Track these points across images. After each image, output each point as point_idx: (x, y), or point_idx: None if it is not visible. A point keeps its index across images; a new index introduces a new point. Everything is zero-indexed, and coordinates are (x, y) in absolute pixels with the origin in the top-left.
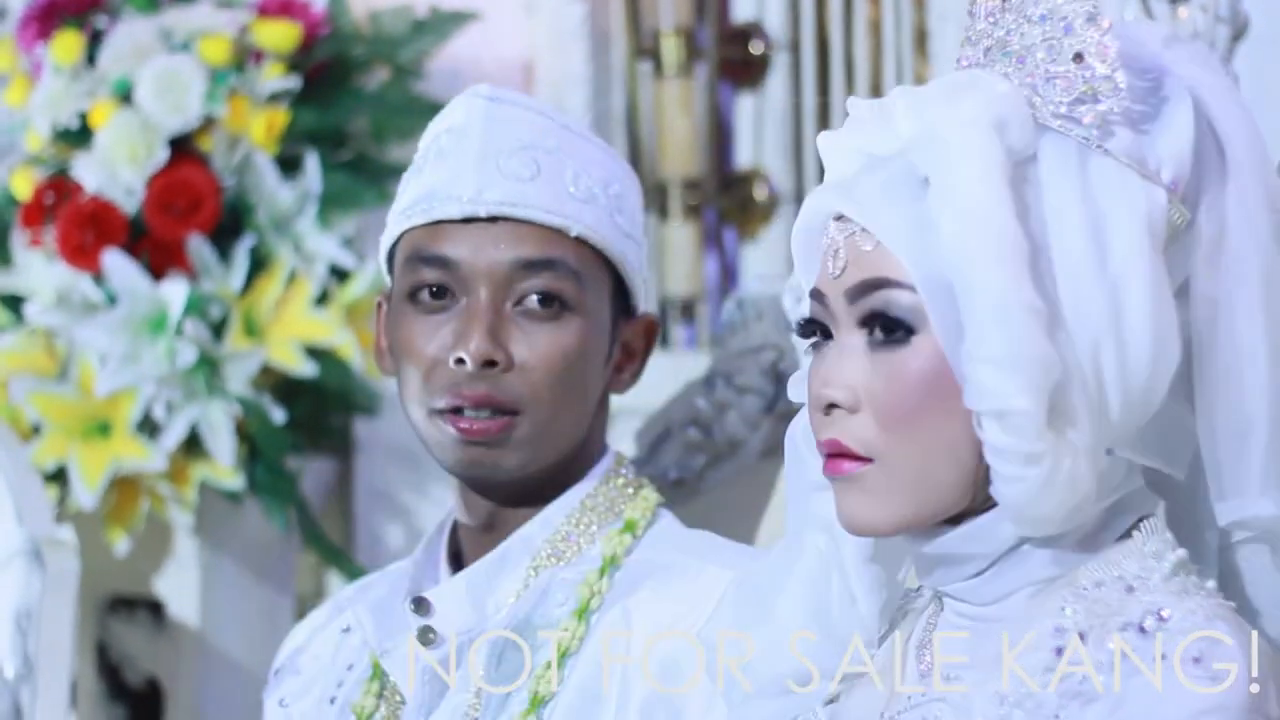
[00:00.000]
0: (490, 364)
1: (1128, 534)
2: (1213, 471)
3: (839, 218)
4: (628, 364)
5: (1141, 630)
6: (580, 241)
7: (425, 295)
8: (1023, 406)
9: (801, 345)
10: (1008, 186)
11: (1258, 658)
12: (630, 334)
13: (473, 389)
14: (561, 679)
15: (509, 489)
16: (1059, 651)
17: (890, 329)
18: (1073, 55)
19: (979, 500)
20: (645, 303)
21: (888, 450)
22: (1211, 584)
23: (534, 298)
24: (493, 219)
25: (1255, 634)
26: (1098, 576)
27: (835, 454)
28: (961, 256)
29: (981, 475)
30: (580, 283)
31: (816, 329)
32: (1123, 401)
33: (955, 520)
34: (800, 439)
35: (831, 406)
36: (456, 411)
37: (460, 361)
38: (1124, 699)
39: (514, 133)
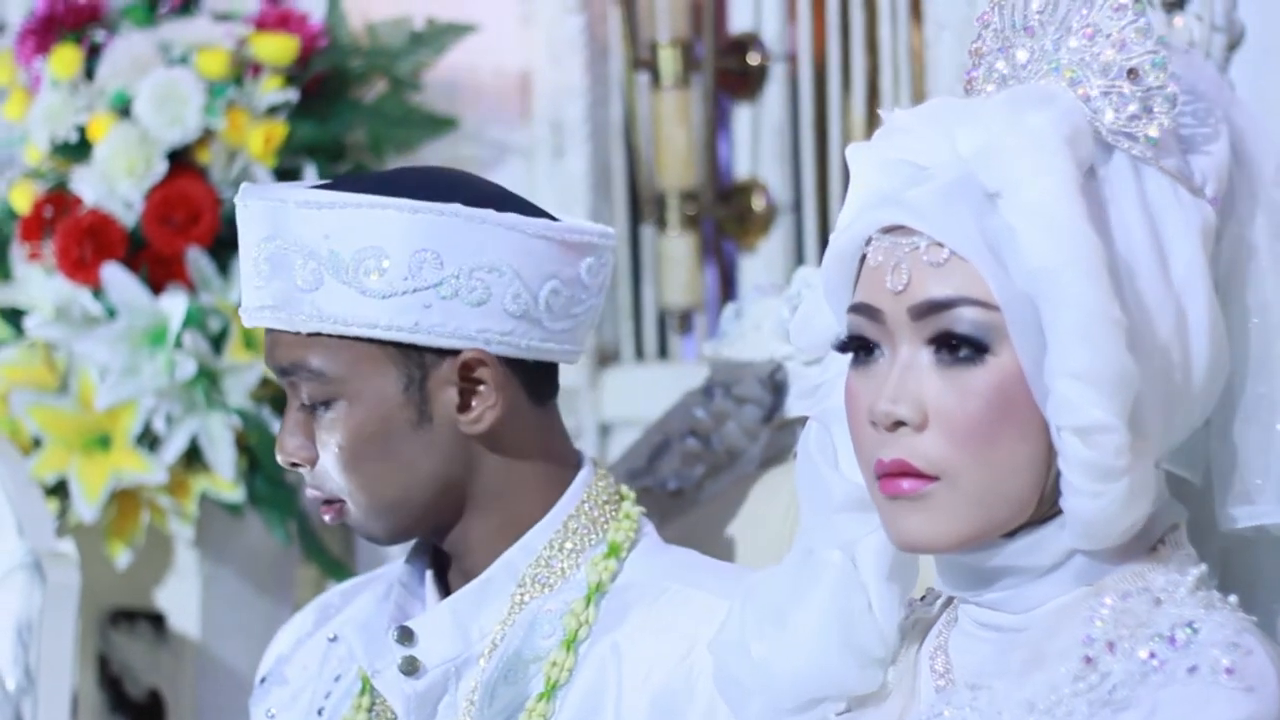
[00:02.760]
0: (295, 464)
1: (1154, 547)
2: (1228, 476)
3: (890, 230)
4: (477, 398)
5: (1172, 641)
6: (318, 335)
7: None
8: (1108, 422)
9: (802, 357)
10: (1084, 200)
11: None
12: (453, 375)
13: (300, 479)
14: (553, 711)
15: (425, 537)
16: (1088, 661)
17: (964, 347)
18: (1127, 71)
19: (1037, 514)
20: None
21: (957, 467)
22: (1234, 598)
23: (305, 402)
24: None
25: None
26: (1125, 588)
27: (898, 473)
28: (1050, 273)
29: (1047, 490)
30: (325, 379)
31: (859, 344)
32: (1184, 413)
33: (1009, 533)
34: (817, 454)
35: (898, 424)
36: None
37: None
38: (1156, 709)
39: (257, 229)
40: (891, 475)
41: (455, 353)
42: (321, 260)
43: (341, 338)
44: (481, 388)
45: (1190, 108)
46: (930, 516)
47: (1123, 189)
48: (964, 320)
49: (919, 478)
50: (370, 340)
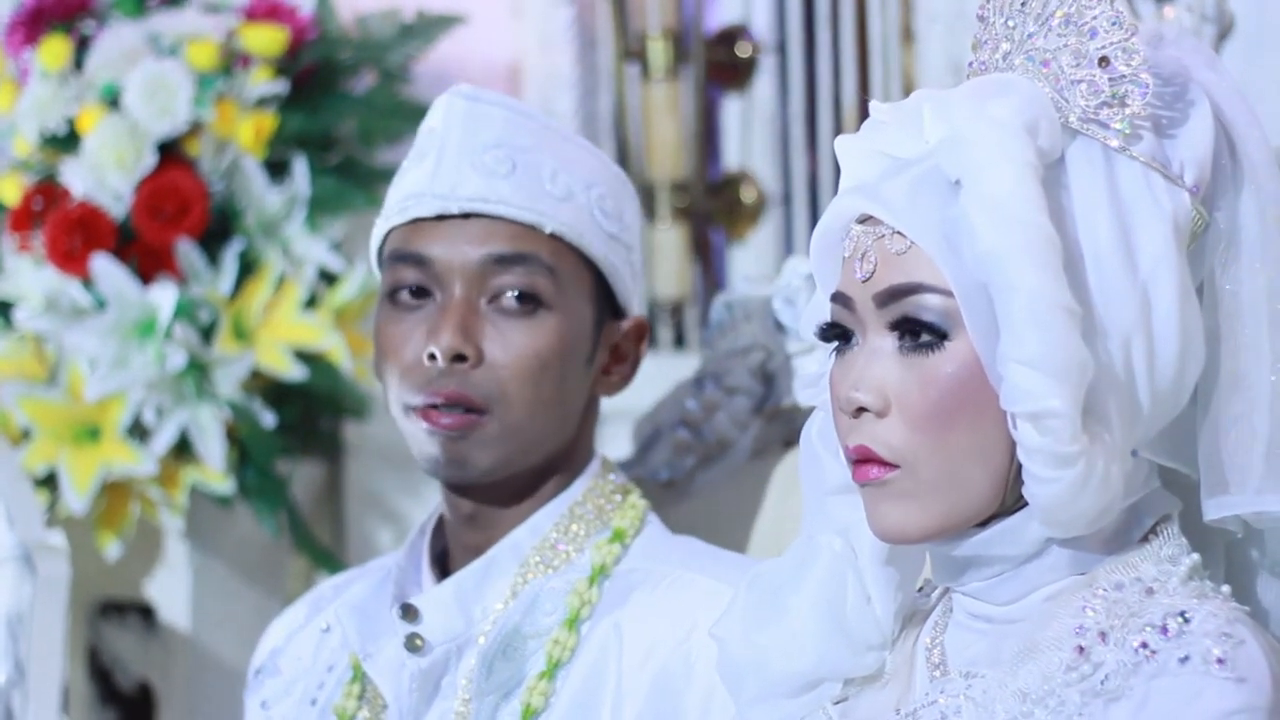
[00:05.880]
0: (460, 359)
1: (1145, 537)
2: (1209, 468)
3: (863, 220)
4: (616, 366)
5: (1164, 631)
6: (556, 239)
7: (404, 294)
8: (1058, 408)
9: (793, 347)
10: (1041, 189)
11: (1275, 659)
12: (618, 336)
13: (443, 385)
14: (554, 690)
15: (489, 488)
16: (1081, 650)
17: (924, 333)
18: (1098, 59)
19: (1008, 503)
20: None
21: (916, 455)
22: (1226, 588)
23: (509, 294)
24: (466, 216)
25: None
26: (1117, 578)
27: (863, 459)
28: (997, 259)
29: (1012, 478)
30: (556, 279)
31: (838, 332)
32: (1151, 402)
33: (983, 523)
34: (817, 440)
35: (860, 410)
36: (431, 408)
37: (432, 357)
38: (1148, 699)
39: (490, 130)
40: (860, 462)
41: (620, 317)
42: (572, 177)
43: (574, 251)
44: (629, 357)
45: (1168, 96)
46: (897, 505)
47: (1090, 177)
48: (923, 307)
49: (883, 465)
50: (590, 266)
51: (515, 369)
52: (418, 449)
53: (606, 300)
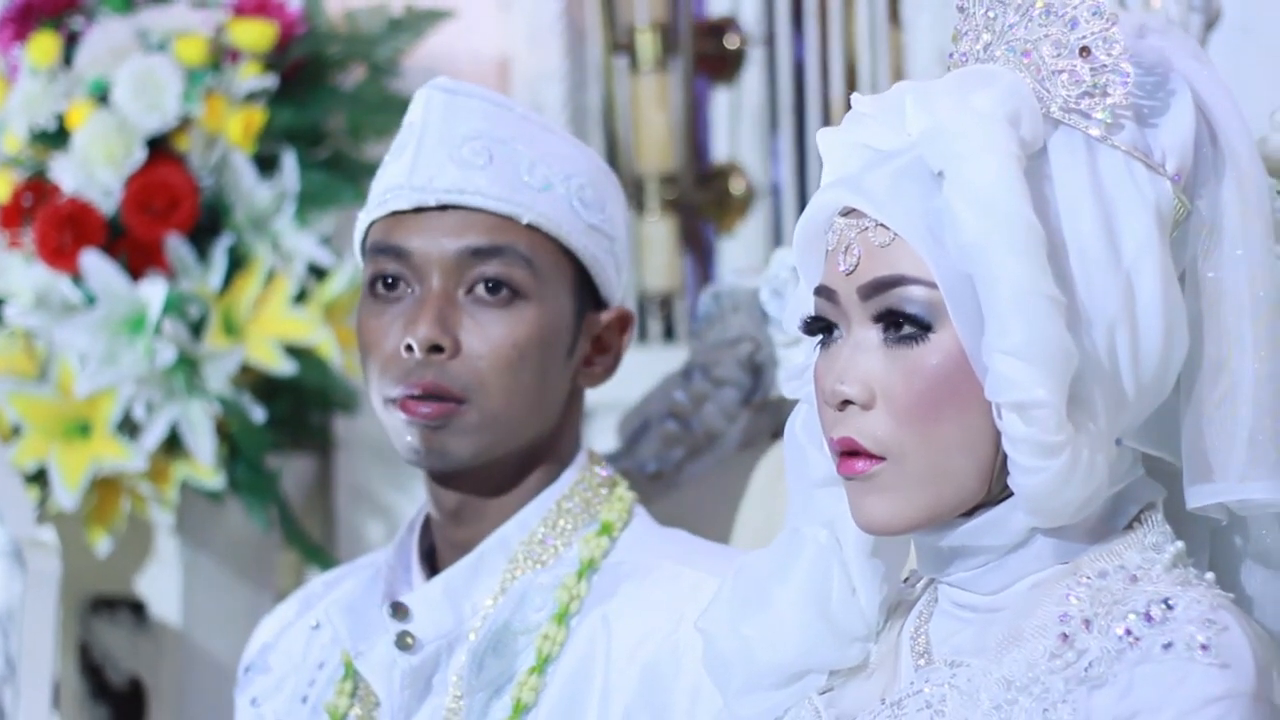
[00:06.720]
0: (436, 349)
1: (1129, 525)
2: (1193, 456)
3: (846, 213)
4: (599, 357)
5: (1148, 618)
6: (534, 230)
7: (382, 286)
8: (1043, 397)
9: (780, 339)
10: (1023, 179)
11: (1259, 645)
12: (600, 327)
13: (420, 376)
14: (543, 685)
15: (471, 479)
16: (1065, 638)
17: (908, 325)
18: (1079, 49)
19: (993, 493)
20: (623, 298)
21: (902, 447)
22: (1210, 575)
23: (484, 285)
24: (443, 208)
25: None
26: (1101, 566)
27: (848, 452)
28: (981, 249)
29: (997, 468)
30: (533, 270)
31: (823, 325)
32: (1135, 391)
33: (968, 513)
34: (801, 432)
35: (845, 403)
36: (409, 399)
37: (409, 349)
38: (1132, 686)
39: (467, 122)
40: (845, 455)
41: (602, 308)
42: (550, 168)
43: (553, 241)
44: (612, 348)
45: (1149, 85)
46: (883, 498)
47: (1072, 167)
48: (907, 299)
49: (869, 457)
50: (570, 257)
51: (492, 359)
52: (398, 440)
53: (588, 291)
